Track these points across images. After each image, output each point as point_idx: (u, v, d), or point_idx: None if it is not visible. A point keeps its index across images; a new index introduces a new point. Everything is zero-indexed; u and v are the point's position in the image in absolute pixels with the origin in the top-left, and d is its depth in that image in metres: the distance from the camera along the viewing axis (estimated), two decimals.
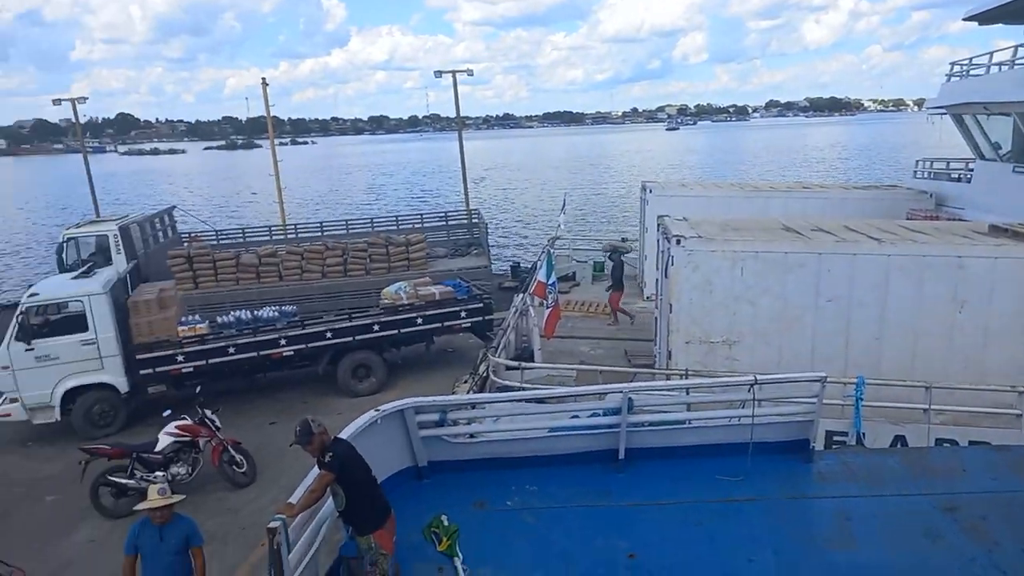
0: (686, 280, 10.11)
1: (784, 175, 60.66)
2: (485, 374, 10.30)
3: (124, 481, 10.02)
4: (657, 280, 11.81)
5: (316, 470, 5.22)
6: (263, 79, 27.02)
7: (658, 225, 11.78)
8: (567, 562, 5.43)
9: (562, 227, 20.43)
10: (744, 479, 6.30)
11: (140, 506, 6.62)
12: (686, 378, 9.18)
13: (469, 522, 5.83)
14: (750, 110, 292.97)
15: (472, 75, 28.95)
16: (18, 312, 12.44)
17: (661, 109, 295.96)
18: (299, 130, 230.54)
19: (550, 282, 11.83)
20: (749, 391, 6.48)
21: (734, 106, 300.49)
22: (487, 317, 14.81)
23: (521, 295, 13.32)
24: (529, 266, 21.12)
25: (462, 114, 28.74)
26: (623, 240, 20.24)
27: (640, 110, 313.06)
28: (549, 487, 6.36)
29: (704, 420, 7.05)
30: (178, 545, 6.46)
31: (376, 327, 14.11)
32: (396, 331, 14.28)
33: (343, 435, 5.57)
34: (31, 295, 12.78)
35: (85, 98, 29.22)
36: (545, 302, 11.91)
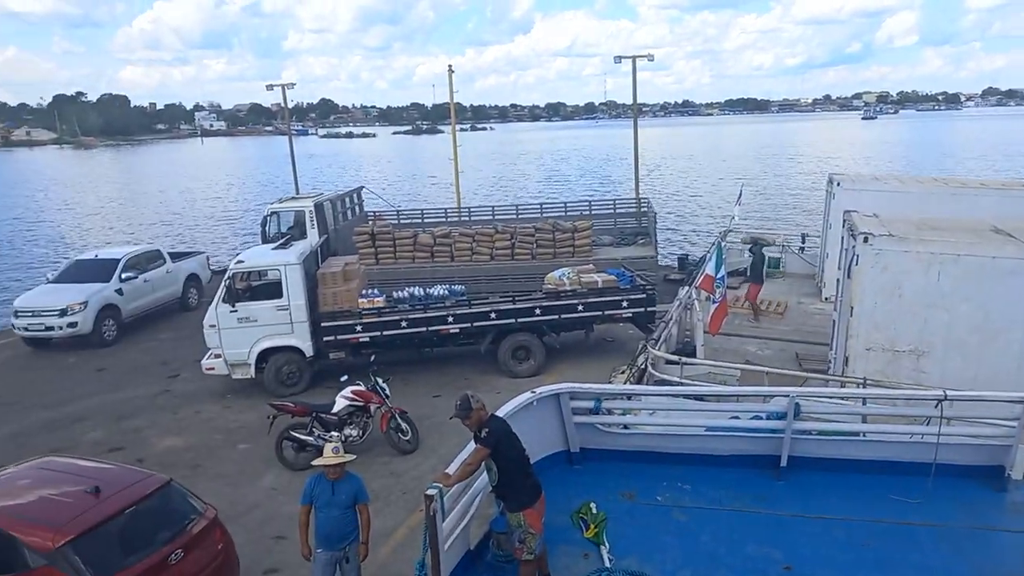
0: (872, 282, 9.35)
1: (999, 172, 54.05)
2: (643, 366, 10.16)
3: (304, 437, 10.91)
4: (838, 281, 11.03)
5: (472, 444, 5.42)
6: (449, 66, 28.18)
7: (844, 221, 10.97)
8: (716, 565, 5.25)
9: (736, 219, 19.61)
10: (922, 502, 5.76)
11: (317, 461, 7.22)
12: (864, 387, 8.52)
13: (617, 512, 5.82)
14: (963, 98, 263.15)
15: (652, 60, 28.31)
16: (226, 277, 13.86)
17: (858, 96, 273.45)
18: (479, 116, 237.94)
19: (719, 276, 11.40)
20: (936, 407, 5.91)
21: (944, 93, 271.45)
22: (649, 308, 14.53)
23: (687, 288, 12.96)
24: (697, 259, 20.49)
25: (639, 100, 28.31)
26: (803, 236, 19.05)
27: (833, 97, 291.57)
28: (702, 487, 6.17)
29: (881, 434, 6.52)
30: (347, 500, 6.99)
31: (537, 311, 14.32)
32: (557, 316, 14.41)
33: (500, 413, 5.72)
34: (237, 262, 14.22)
35: (293, 84, 32.14)
36: (712, 297, 11.50)
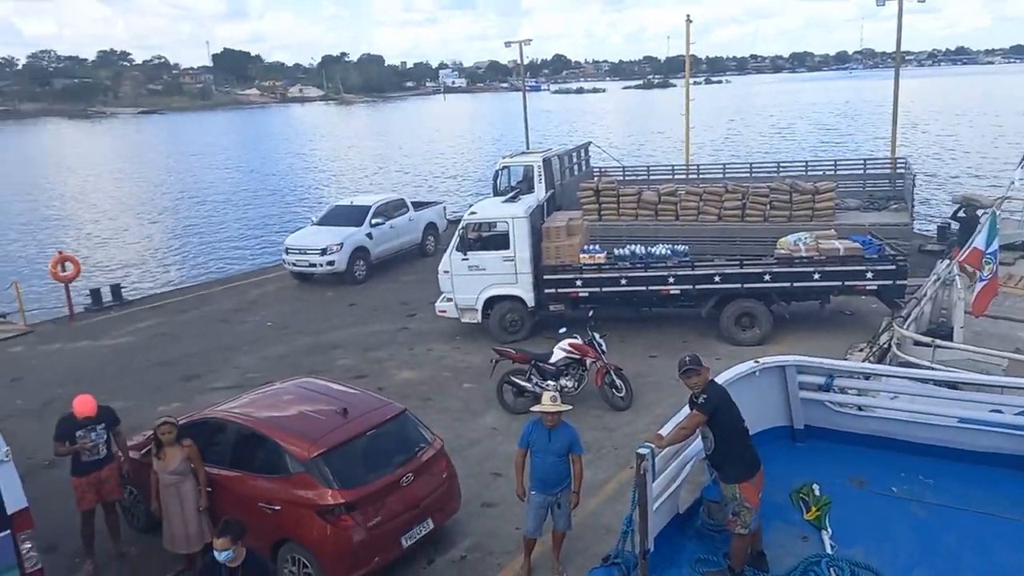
0: None
1: None
2: (886, 345, 9.25)
3: (523, 383, 11.39)
4: None
5: (687, 409, 5.31)
6: (687, 16, 27.08)
7: None
8: (959, 568, 4.70)
9: (1016, 185, 16.88)
10: None
11: (536, 408, 7.51)
12: None
13: (843, 497, 5.43)
14: None
15: (923, 1, 24.93)
16: (460, 227, 14.73)
17: None
18: (715, 69, 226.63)
19: (989, 250, 9.92)
20: None
21: None
22: (899, 282, 13.09)
23: (947, 262, 11.48)
24: (960, 229, 18.06)
25: (902, 48, 25.19)
26: None
27: None
28: (948, 482, 5.53)
29: None
30: (562, 449, 7.23)
31: (767, 277, 13.53)
32: (788, 284, 13.50)
33: (719, 381, 5.54)
34: (471, 213, 15.01)
35: (529, 40, 33.01)
36: (980, 273, 10.07)
